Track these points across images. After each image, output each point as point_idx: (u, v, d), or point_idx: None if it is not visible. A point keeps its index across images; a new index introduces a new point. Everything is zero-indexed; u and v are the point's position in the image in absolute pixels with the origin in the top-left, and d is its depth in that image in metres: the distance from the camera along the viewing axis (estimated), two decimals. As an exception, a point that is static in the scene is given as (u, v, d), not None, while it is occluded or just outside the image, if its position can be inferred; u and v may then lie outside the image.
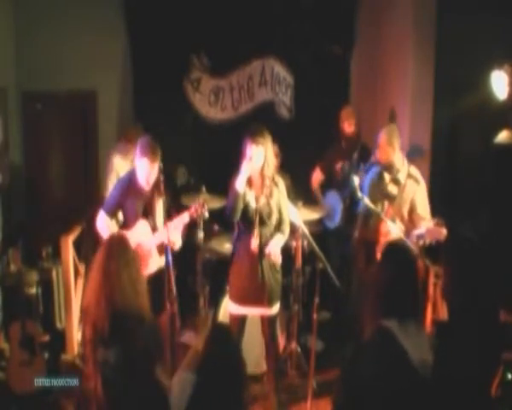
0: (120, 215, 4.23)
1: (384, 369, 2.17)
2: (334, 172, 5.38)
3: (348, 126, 5.38)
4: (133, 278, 2.57)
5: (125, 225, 4.10)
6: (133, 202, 4.02)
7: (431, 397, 2.21)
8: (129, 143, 5.19)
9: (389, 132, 4.32)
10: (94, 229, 4.24)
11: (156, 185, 3.95)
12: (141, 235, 3.99)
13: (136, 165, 3.99)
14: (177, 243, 3.97)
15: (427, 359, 2.22)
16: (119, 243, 2.66)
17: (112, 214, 4.10)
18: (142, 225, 4.01)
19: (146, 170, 3.91)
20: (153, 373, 2.51)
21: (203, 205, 3.93)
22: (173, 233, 3.89)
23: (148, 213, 4.03)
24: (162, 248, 3.94)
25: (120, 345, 2.44)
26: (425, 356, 2.22)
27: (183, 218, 3.97)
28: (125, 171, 4.97)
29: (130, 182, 4.05)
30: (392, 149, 4.27)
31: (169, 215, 3.99)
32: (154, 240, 3.98)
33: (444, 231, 3.90)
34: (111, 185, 4.97)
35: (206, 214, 4.01)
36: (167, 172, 4.11)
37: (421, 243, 4.02)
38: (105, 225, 4.04)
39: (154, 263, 4.00)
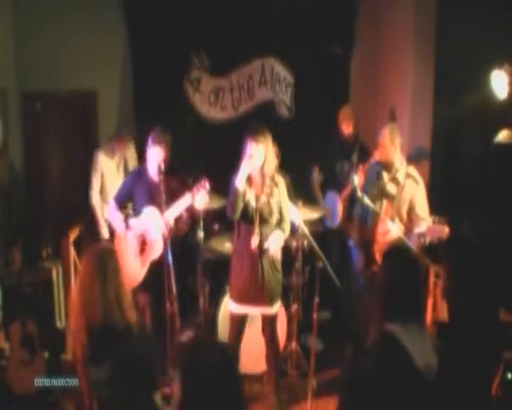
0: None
1: (388, 373, 2.15)
2: (333, 172, 5.38)
3: (346, 128, 5.38)
4: (112, 291, 2.52)
5: (135, 215, 4.20)
6: (143, 194, 4.13)
7: (433, 398, 2.20)
8: (117, 144, 5.21)
9: (391, 131, 4.32)
10: (94, 228, 4.27)
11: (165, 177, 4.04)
12: (149, 220, 4.06)
13: (147, 154, 4.14)
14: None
15: (431, 362, 2.20)
16: (97, 257, 2.61)
17: (122, 205, 4.25)
18: (150, 212, 4.07)
19: (157, 158, 4.05)
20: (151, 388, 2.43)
21: (205, 184, 3.96)
22: (176, 214, 4.03)
23: (157, 205, 4.06)
24: (167, 232, 4.00)
25: (110, 361, 2.39)
26: (429, 360, 2.21)
27: (186, 198, 4.01)
28: (110, 169, 5.12)
29: (141, 173, 4.22)
30: (394, 148, 4.28)
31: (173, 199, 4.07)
32: (160, 224, 4.02)
33: (446, 229, 3.88)
34: (95, 183, 5.14)
35: (207, 188, 4.01)
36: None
37: (422, 241, 4.01)
38: (115, 215, 4.20)
39: (159, 248, 4.05)
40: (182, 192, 4.05)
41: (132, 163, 5.30)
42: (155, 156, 4.08)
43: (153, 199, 4.09)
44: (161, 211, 4.01)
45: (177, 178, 4.26)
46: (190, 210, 4.19)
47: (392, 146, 4.28)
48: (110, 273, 2.55)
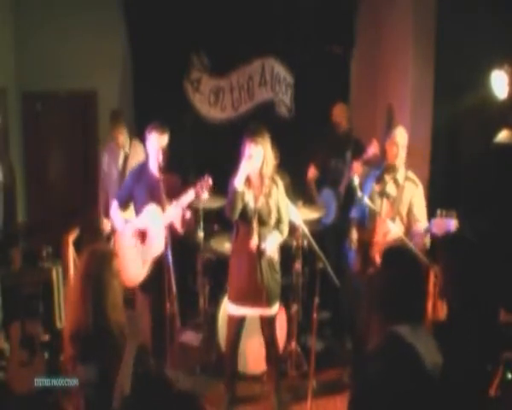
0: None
1: (399, 375, 2.13)
2: (328, 169, 5.38)
3: (340, 123, 5.38)
4: (105, 294, 2.53)
5: (136, 213, 4.18)
6: (143, 190, 4.10)
7: (436, 398, 2.19)
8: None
9: (404, 131, 4.37)
10: (94, 228, 4.25)
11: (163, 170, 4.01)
12: (150, 218, 4.04)
13: (147, 147, 4.14)
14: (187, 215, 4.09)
15: (438, 362, 2.19)
16: (95, 259, 2.61)
17: (124, 203, 4.21)
18: (151, 209, 4.04)
19: (156, 144, 4.02)
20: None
21: (208, 181, 3.94)
22: (179, 211, 3.98)
23: (157, 201, 4.03)
24: (169, 228, 3.99)
25: (97, 361, 2.42)
26: (436, 359, 2.19)
27: (189, 195, 3.98)
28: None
29: (141, 170, 4.20)
30: (403, 149, 4.32)
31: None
32: (162, 221, 4.00)
33: (455, 222, 3.80)
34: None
35: (211, 184, 3.98)
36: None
37: (428, 236, 3.98)
38: (117, 216, 4.18)
39: (160, 245, 4.01)
40: (182, 190, 4.03)
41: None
42: (154, 143, 4.04)
43: (153, 196, 4.05)
44: (162, 207, 3.97)
45: (177, 176, 4.22)
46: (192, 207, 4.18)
47: (403, 146, 4.31)
48: (106, 277, 2.55)
